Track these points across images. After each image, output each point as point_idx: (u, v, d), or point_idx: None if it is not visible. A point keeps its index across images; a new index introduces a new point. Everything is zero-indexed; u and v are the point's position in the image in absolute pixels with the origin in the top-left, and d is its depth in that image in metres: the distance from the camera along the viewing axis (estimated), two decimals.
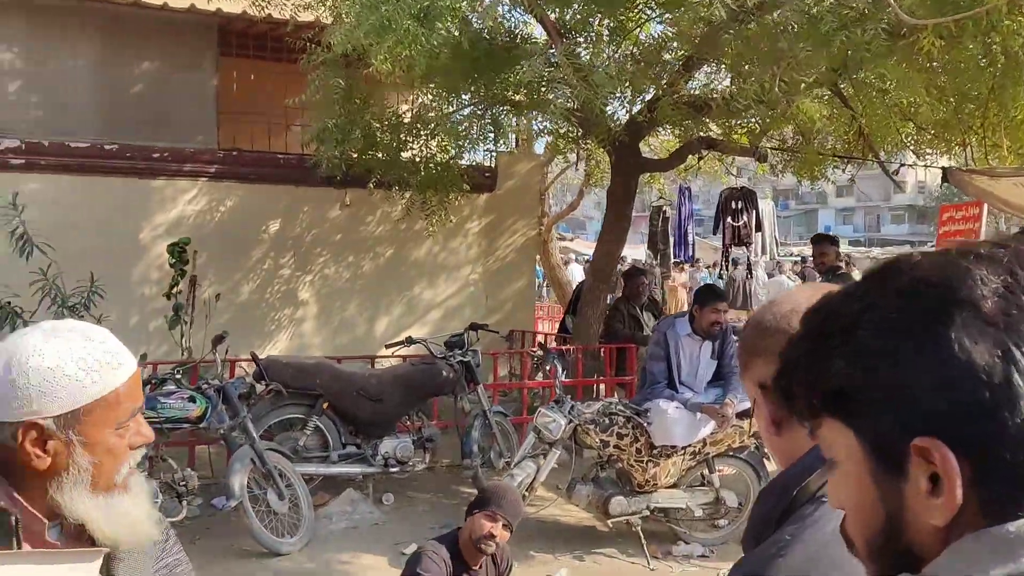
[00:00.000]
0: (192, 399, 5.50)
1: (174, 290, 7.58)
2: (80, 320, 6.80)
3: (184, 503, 5.52)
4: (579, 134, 7.52)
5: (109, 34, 8.75)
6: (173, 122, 8.73)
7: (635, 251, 20.54)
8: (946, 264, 0.72)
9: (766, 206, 12.68)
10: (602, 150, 9.31)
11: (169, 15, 8.62)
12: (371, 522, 6.07)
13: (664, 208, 12.49)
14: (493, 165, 9.86)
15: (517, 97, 7.13)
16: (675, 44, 6.96)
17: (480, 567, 4.05)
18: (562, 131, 7.62)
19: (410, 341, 6.60)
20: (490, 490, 4.09)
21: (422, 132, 7.66)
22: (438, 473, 7.05)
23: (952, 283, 0.70)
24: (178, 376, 5.65)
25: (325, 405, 6.18)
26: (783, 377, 0.78)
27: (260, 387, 6.04)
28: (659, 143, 12.08)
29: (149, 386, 5.58)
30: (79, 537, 1.43)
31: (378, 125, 7.54)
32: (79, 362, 1.39)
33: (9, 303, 6.38)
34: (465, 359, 6.51)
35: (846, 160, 8.82)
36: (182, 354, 7.37)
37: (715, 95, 6.99)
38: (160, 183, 8.37)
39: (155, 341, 7.90)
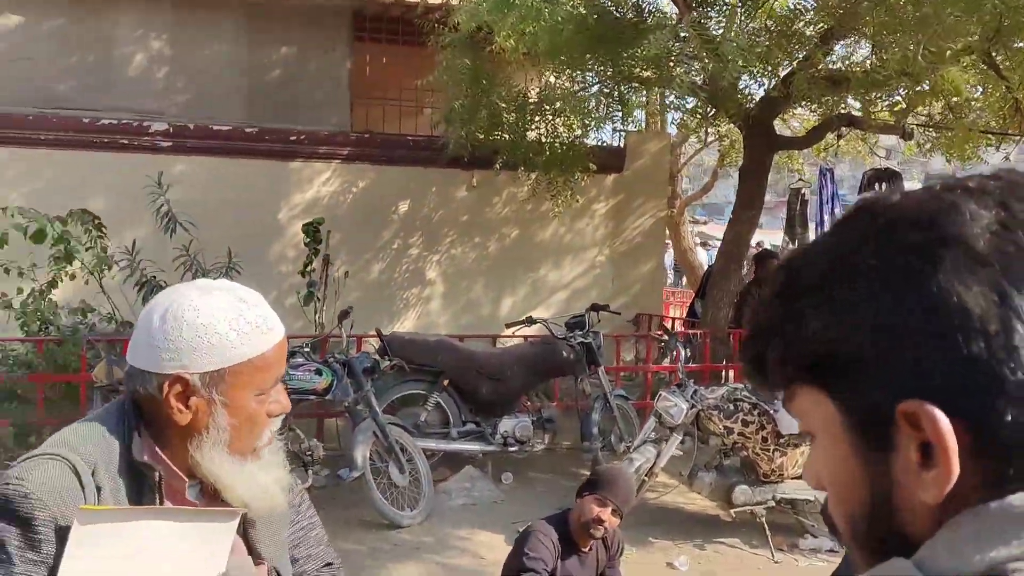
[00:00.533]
0: (319, 372, 5.66)
1: (308, 268, 7.82)
2: None
3: (310, 472, 5.70)
4: (709, 111, 7.28)
5: (250, 21, 9.09)
6: (309, 105, 8.99)
7: (774, 236, 19.92)
8: (929, 200, 0.61)
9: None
10: (736, 129, 9.00)
11: (306, 2, 8.88)
12: (489, 500, 6.10)
13: (803, 191, 12.00)
14: (621, 145, 9.71)
15: (645, 73, 6.96)
16: (812, 16, 6.63)
17: (590, 549, 3.99)
18: (689, 107, 7.39)
19: (530, 321, 6.58)
20: (602, 474, 4.00)
21: (547, 111, 7.60)
22: (558, 454, 7.02)
23: (937, 220, 0.59)
24: (307, 350, 5.81)
25: (446, 382, 6.25)
26: (752, 346, 0.68)
27: (384, 362, 6.16)
28: (799, 122, 11.61)
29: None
30: (215, 497, 1.45)
31: (503, 105, 7.53)
32: (231, 322, 1.39)
33: (154, 277, 6.74)
34: (586, 340, 6.44)
35: (1000, 137, 8.20)
36: (315, 330, 7.60)
37: (855, 68, 6.62)
38: (296, 165, 8.64)
39: (290, 317, 8.14)
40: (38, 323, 6.27)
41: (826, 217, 12.51)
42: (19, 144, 7.68)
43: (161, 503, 1.41)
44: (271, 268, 8.43)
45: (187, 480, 1.43)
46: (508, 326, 6.76)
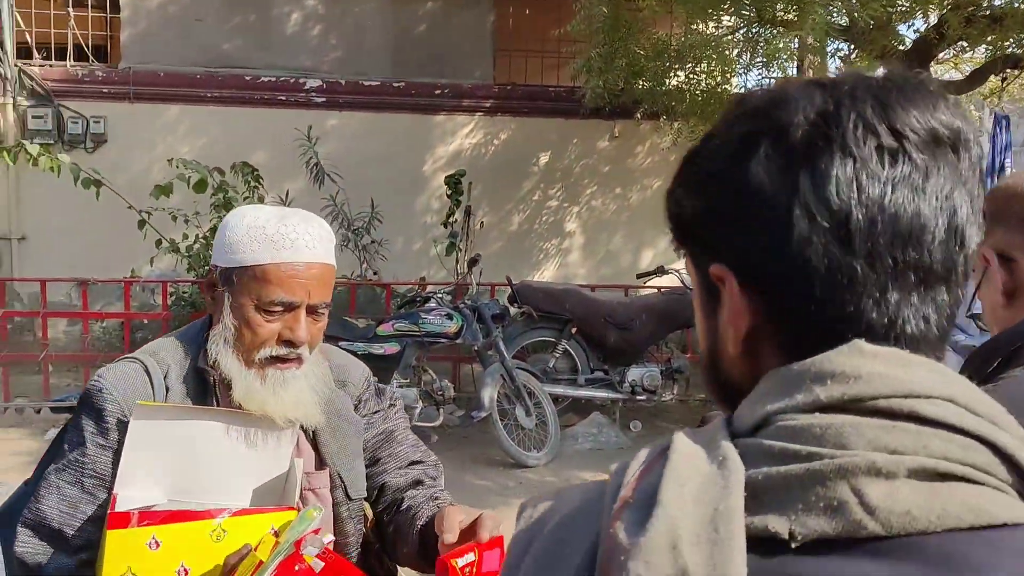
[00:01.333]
0: (449, 316, 5.90)
1: (450, 219, 8.08)
2: (361, 243, 7.55)
3: (440, 411, 5.98)
4: (853, 52, 6.94)
5: None
6: (453, 59, 9.20)
7: None
8: (778, 92, 0.66)
9: None
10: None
11: None
12: (616, 446, 6.20)
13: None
14: None
15: (788, 16, 6.72)
16: None
17: None
18: (832, 50, 7.08)
19: (662, 271, 6.57)
20: (711, 420, 4.01)
21: (687, 58, 7.47)
22: (690, 406, 7.02)
23: (769, 111, 0.65)
24: (441, 296, 6.06)
25: (574, 330, 6.36)
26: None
27: (514, 310, 6.34)
28: (971, 66, 10.81)
29: (417, 304, 6.07)
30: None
31: (642, 53, 7.45)
32: (251, 230, 1.46)
33: None
34: None
35: None
36: (456, 278, 7.87)
37: (1019, 3, 6.13)
38: (440, 118, 8.90)
39: (435, 266, 8.48)
40: (203, 266, 6.82)
41: (999, 166, 11.70)
42: (188, 102, 8.30)
43: (217, 405, 1.51)
44: (415, 219, 8.77)
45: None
46: (639, 276, 6.78)
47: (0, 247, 8.61)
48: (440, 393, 5.94)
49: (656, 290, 7.05)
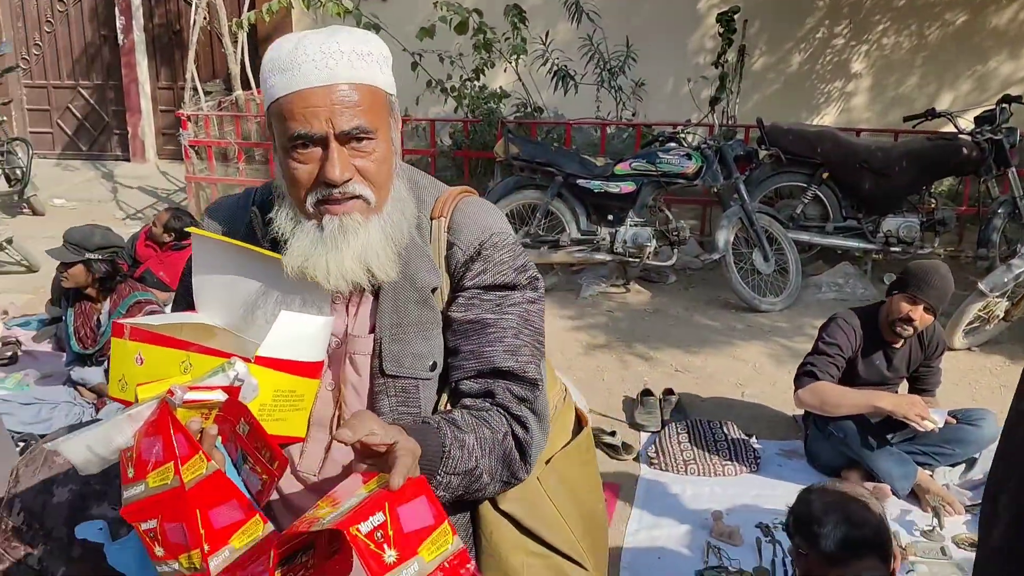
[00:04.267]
0: (689, 156, 5.85)
1: (721, 59, 7.81)
2: (616, 83, 7.49)
3: (676, 251, 6.04)
4: None
5: None
6: None
7: None
8: None
9: None
10: None
11: None
12: (862, 298, 5.93)
13: None
14: None
15: None
16: None
17: (901, 345, 3.84)
18: None
19: (932, 114, 5.97)
20: (915, 270, 3.74)
21: None
22: (957, 262, 6.45)
23: None
24: (682, 135, 6.00)
25: (825, 175, 6.04)
26: None
27: (762, 152, 6.13)
28: None
29: (657, 143, 6.08)
30: None
31: None
32: (268, 62, 1.28)
33: (565, 67, 7.32)
34: (995, 137, 5.71)
35: None
36: (725, 120, 7.66)
37: None
38: None
39: (704, 109, 8.30)
40: (467, 105, 7.25)
41: None
42: None
43: (274, 247, 1.39)
44: (685, 60, 8.55)
45: None
46: (907, 119, 6.21)
47: None
48: (676, 233, 5.99)
49: (924, 135, 6.43)
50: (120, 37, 9.81)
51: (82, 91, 10.26)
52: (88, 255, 4.18)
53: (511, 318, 1.40)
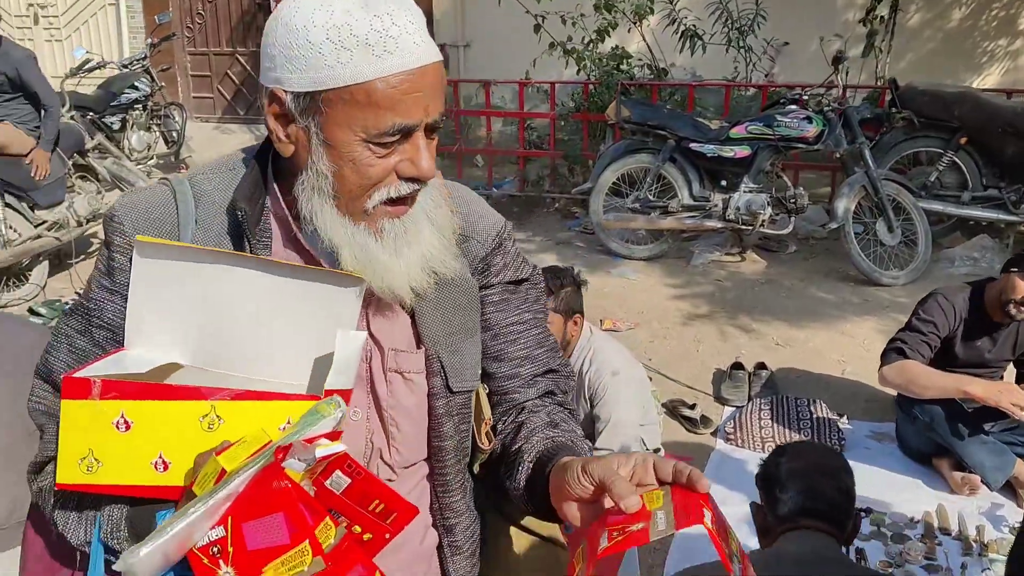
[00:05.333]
0: (809, 120, 5.53)
1: (870, 16, 7.32)
2: (745, 43, 7.16)
3: (792, 219, 5.75)
4: None
5: None
6: None
7: None
8: None
9: None
10: None
11: None
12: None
13: None
14: None
15: None
16: None
17: (1008, 325, 3.51)
18: None
19: None
20: None
21: None
22: None
23: None
24: (805, 97, 5.68)
25: (963, 140, 5.56)
26: None
27: (894, 115, 5.71)
28: None
29: (779, 105, 5.77)
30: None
31: None
32: (331, 31, 1.02)
33: (693, 27, 7.06)
34: None
35: None
36: (875, 82, 7.19)
37: None
38: None
39: (853, 69, 7.79)
40: (589, 67, 7.14)
41: None
42: None
43: (252, 250, 1.13)
44: (833, 16, 8.04)
45: (296, 228, 1.15)
46: None
47: (449, 53, 9.82)
48: (793, 201, 5.69)
49: None
50: (272, 5, 10.27)
51: (239, 58, 10.83)
52: None
53: (541, 315, 1.35)
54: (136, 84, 8.37)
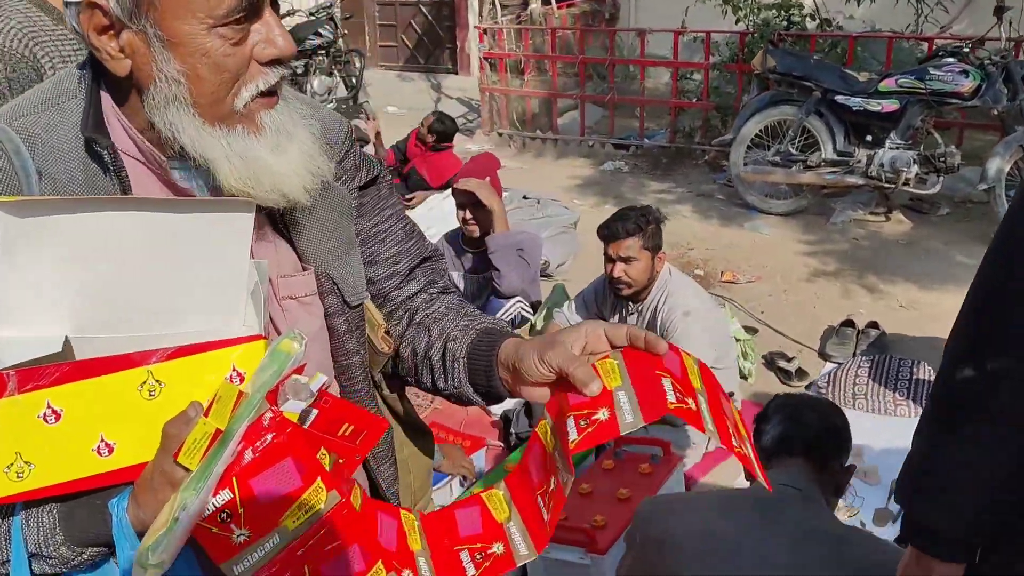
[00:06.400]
0: (965, 74, 5.20)
1: None
2: None
3: (940, 178, 5.46)
4: None
5: None
6: None
7: None
8: None
9: None
10: None
11: None
12: None
13: None
14: None
15: None
16: None
17: None
18: None
19: None
20: None
21: None
22: None
23: None
24: (965, 49, 5.34)
25: None
26: None
27: None
28: None
29: (936, 57, 5.46)
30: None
31: None
32: None
33: None
34: None
35: None
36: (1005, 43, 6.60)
37: None
38: None
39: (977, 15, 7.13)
40: (747, 16, 6.97)
41: None
42: None
43: (123, 191, 1.00)
44: None
45: (164, 159, 1.01)
46: None
47: (620, 2, 9.85)
48: (942, 160, 5.39)
49: None
50: None
51: (423, 8, 11.29)
52: None
53: (399, 207, 1.29)
54: (320, 31, 8.98)
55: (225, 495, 0.86)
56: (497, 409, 3.65)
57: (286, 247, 1.13)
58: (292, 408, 0.91)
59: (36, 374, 0.89)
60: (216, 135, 0.97)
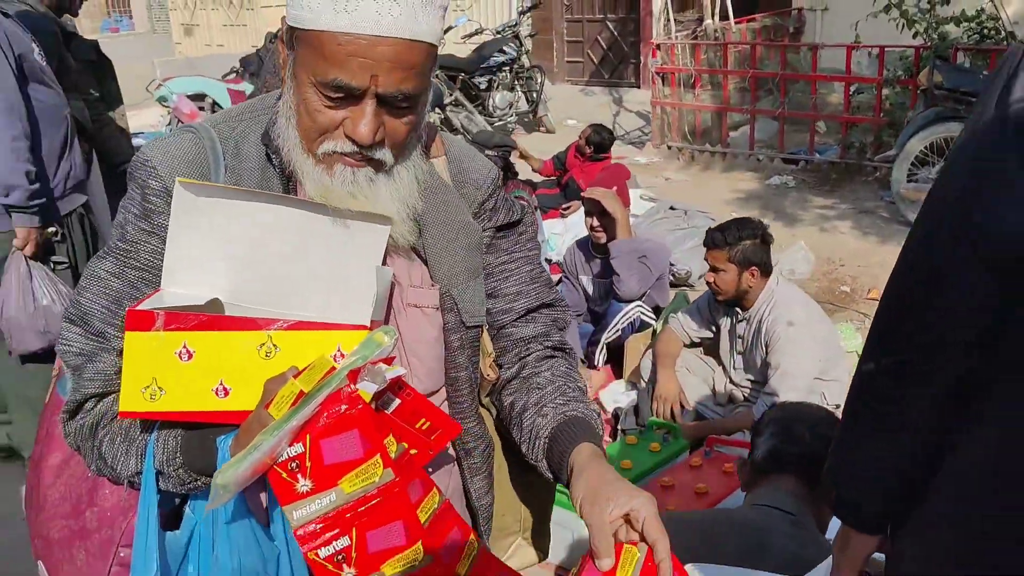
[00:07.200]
0: None
1: None
2: None
3: None
4: None
5: None
6: None
7: None
8: None
9: None
10: None
11: None
12: None
13: None
14: None
15: None
16: None
17: None
18: None
19: None
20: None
21: None
22: None
23: None
24: None
25: None
26: None
27: None
28: None
29: None
30: None
31: None
32: None
33: None
34: None
35: None
36: None
37: None
38: None
39: None
40: (923, 31, 6.75)
41: None
42: None
43: (287, 192, 1.20)
44: None
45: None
46: None
47: (806, 17, 9.72)
48: None
49: None
50: None
51: (609, 24, 11.59)
52: (486, 151, 5.18)
53: (534, 252, 1.42)
54: (504, 48, 9.49)
55: (298, 447, 1.02)
56: (609, 405, 3.89)
57: (419, 264, 1.29)
58: (366, 388, 1.04)
59: (180, 318, 1.07)
60: (305, 159, 1.15)
